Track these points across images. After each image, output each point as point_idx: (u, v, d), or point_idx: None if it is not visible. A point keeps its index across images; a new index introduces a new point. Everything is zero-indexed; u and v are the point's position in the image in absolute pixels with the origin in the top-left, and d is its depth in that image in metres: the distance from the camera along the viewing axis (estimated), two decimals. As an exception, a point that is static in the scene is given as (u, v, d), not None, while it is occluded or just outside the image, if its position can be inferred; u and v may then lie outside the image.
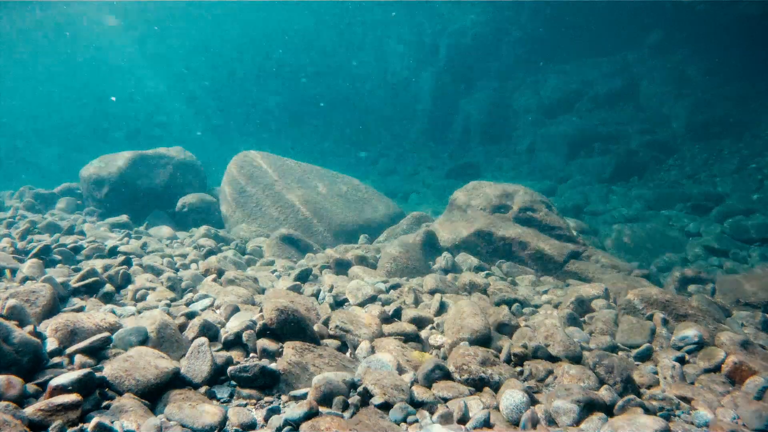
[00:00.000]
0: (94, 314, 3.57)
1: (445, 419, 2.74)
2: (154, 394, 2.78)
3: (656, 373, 3.55)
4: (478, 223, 6.98)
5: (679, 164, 13.49)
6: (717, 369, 3.55)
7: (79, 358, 3.02)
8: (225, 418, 2.63)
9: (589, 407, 2.86)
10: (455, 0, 21.91)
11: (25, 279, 4.43)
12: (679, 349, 3.89)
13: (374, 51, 28.46)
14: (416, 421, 2.73)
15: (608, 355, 3.52)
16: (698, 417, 2.94)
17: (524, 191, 7.51)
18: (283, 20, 31.31)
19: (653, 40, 17.81)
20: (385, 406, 2.81)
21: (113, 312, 3.93)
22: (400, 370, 3.23)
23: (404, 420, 2.72)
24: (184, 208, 9.12)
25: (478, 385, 3.18)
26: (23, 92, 36.53)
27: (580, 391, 2.94)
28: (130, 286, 4.68)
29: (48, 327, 3.28)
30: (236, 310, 4.06)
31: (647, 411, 2.91)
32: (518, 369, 3.52)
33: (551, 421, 2.82)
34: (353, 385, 2.99)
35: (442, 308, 4.53)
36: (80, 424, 2.41)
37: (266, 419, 2.70)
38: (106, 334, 3.23)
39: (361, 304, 4.65)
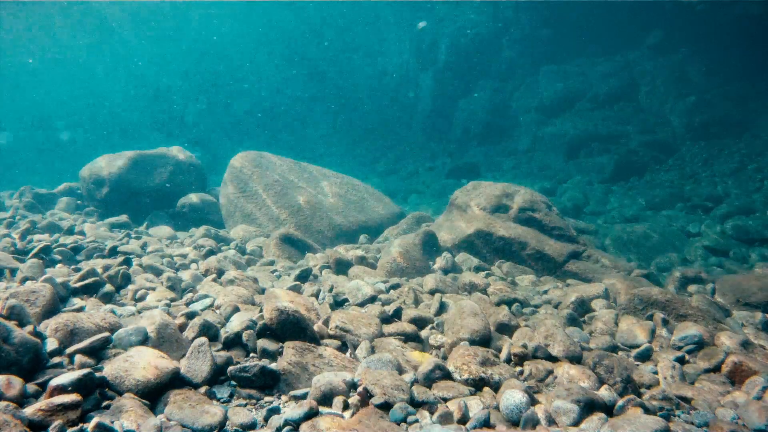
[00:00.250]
0: (94, 314, 3.57)
1: (445, 419, 2.74)
2: (154, 394, 2.78)
3: (656, 373, 3.55)
4: (478, 223, 6.98)
5: (679, 164, 13.49)
6: (717, 369, 3.55)
7: (79, 358, 3.02)
8: (225, 418, 2.63)
9: (589, 407, 2.86)
10: (455, 0, 21.91)
11: (25, 279, 4.43)
12: (679, 349, 3.89)
13: (374, 51, 28.47)
14: (416, 421, 2.73)
15: (608, 355, 3.52)
16: (698, 417, 2.94)
17: (524, 191, 7.51)
18: (283, 20, 31.33)
19: (653, 40, 17.81)
20: (385, 406, 2.81)
21: (113, 312, 3.92)
22: (400, 370, 3.23)
23: (404, 420, 2.72)
24: (184, 208, 9.12)
25: (478, 385, 3.18)
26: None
27: (580, 391, 2.94)
28: (130, 286, 4.68)
29: (48, 327, 3.28)
30: (236, 310, 4.06)
31: (647, 411, 2.91)
32: (518, 369, 3.52)
33: (551, 421, 2.82)
34: (353, 385, 2.99)
35: (442, 308, 4.53)
36: (80, 424, 2.41)
37: (266, 419, 2.70)
38: (106, 334, 3.23)
39: (361, 304, 4.64)
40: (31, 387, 2.68)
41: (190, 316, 3.95)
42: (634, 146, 14.70)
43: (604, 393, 3.05)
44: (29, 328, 3.21)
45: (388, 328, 3.98)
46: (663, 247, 8.58)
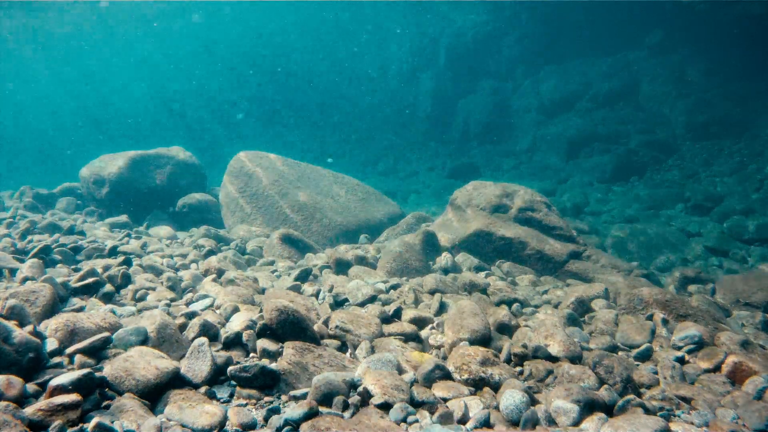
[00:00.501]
0: (94, 314, 3.57)
1: (445, 419, 2.74)
2: (154, 394, 2.78)
3: (656, 373, 3.55)
4: (478, 223, 6.98)
5: (679, 164, 13.49)
6: (717, 369, 3.55)
7: (79, 358, 3.02)
8: (225, 418, 2.63)
9: (589, 407, 2.86)
10: (455, 0, 21.91)
11: (25, 279, 4.42)
12: (679, 349, 3.89)
13: (374, 51, 28.47)
14: (416, 421, 2.73)
15: (608, 355, 3.52)
16: (698, 417, 2.94)
17: (524, 191, 7.51)
18: (282, 20, 31.33)
19: (653, 40, 17.81)
20: (385, 406, 2.81)
21: (113, 312, 3.92)
22: (400, 370, 3.23)
23: (404, 420, 2.72)
24: (184, 208, 9.12)
25: (478, 385, 3.18)
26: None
27: (580, 391, 2.94)
28: (130, 286, 4.68)
29: (48, 327, 3.28)
30: (236, 310, 4.06)
31: (647, 411, 2.91)
32: (518, 369, 3.52)
33: (551, 421, 2.82)
34: (353, 385, 2.99)
35: (442, 308, 4.53)
36: (80, 424, 2.41)
37: (266, 419, 2.70)
38: (106, 334, 3.23)
39: (361, 304, 4.64)
40: (31, 387, 2.68)
41: (190, 316, 3.95)
42: (634, 146, 14.69)
43: (604, 393, 3.05)
44: (29, 328, 3.21)
45: (388, 328, 3.98)
46: (663, 247, 8.58)
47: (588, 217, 11.02)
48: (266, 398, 2.94)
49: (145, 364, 2.89)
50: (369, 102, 27.45)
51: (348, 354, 3.65)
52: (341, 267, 5.99)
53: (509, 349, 3.65)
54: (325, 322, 3.94)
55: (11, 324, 3.00)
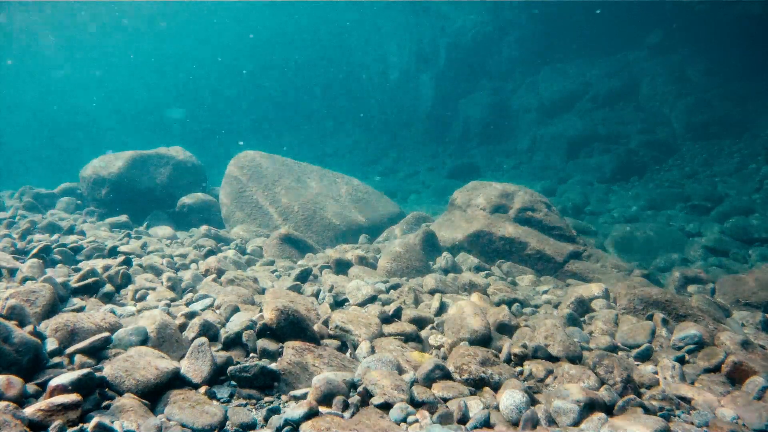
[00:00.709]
0: (94, 314, 3.57)
1: (445, 419, 2.74)
2: (154, 394, 2.78)
3: (656, 373, 3.55)
4: (478, 223, 6.98)
5: (679, 164, 13.49)
6: (717, 369, 3.55)
7: (79, 358, 3.02)
8: (225, 418, 2.63)
9: (589, 407, 2.86)
10: (455, 0, 21.92)
11: (25, 279, 4.43)
12: (679, 349, 3.89)
13: (374, 51, 28.48)
14: (416, 421, 2.73)
15: (608, 355, 3.52)
16: (698, 417, 2.94)
17: (524, 191, 7.51)
18: (283, 20, 31.33)
19: (653, 40, 17.82)
20: (385, 406, 2.81)
21: (113, 312, 3.92)
22: (400, 370, 3.23)
23: (404, 420, 2.72)
24: (184, 208, 9.12)
25: (478, 385, 3.18)
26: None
27: (580, 391, 2.94)
28: (130, 286, 4.68)
29: (48, 327, 3.28)
30: (236, 310, 4.06)
31: (647, 411, 2.91)
32: (518, 369, 3.52)
33: (551, 421, 2.82)
34: (353, 385, 2.99)
35: (442, 308, 4.53)
36: (80, 424, 2.41)
37: (266, 419, 2.70)
38: (106, 334, 3.23)
39: (361, 304, 4.64)
40: (31, 387, 2.68)
41: (190, 316, 3.95)
42: (634, 146, 14.69)
43: (604, 393, 3.05)
44: (29, 328, 3.21)
45: (388, 328, 3.98)
46: (663, 247, 8.58)
47: (588, 217, 11.03)
48: (266, 398, 2.94)
49: (145, 364, 2.89)
50: (369, 102, 27.45)
51: (348, 354, 3.65)
52: (341, 267, 5.99)
53: (509, 349, 3.65)
54: (325, 322, 3.94)
55: (11, 324, 3.00)
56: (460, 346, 3.61)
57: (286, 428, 2.55)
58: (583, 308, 4.85)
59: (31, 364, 2.87)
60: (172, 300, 4.50)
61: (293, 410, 2.62)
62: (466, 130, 21.06)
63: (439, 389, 3.07)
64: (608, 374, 3.31)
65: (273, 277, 5.78)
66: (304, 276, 5.57)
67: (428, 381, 3.16)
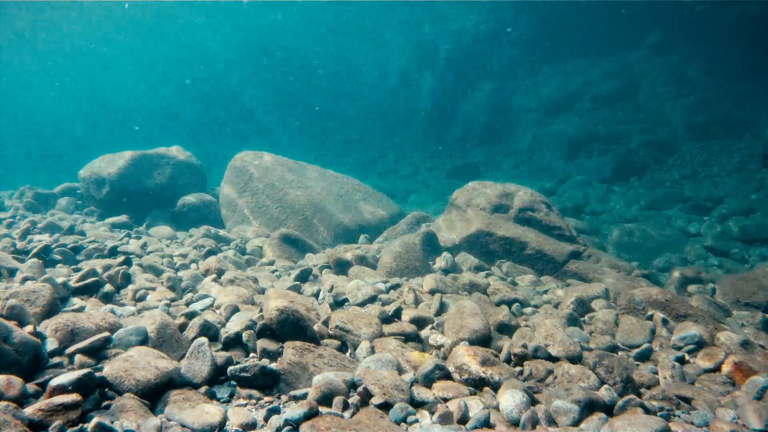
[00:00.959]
0: (94, 314, 3.57)
1: (445, 419, 2.74)
2: (154, 394, 2.78)
3: (656, 373, 3.55)
4: (478, 223, 6.98)
5: (679, 164, 13.49)
6: (717, 369, 3.55)
7: (79, 358, 3.02)
8: (225, 418, 2.63)
9: (589, 407, 2.86)
10: (455, 0, 21.92)
11: (25, 279, 4.42)
12: (679, 349, 3.89)
13: (374, 51, 28.48)
14: (416, 421, 2.73)
15: (608, 355, 3.52)
16: (698, 417, 2.93)
17: (524, 191, 7.51)
18: (283, 20, 31.32)
19: (653, 40, 17.82)
20: (385, 406, 2.81)
21: (113, 312, 3.92)
22: (400, 370, 3.23)
23: (404, 420, 2.72)
24: (184, 208, 9.12)
25: (478, 385, 3.18)
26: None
27: (580, 391, 2.94)
28: (130, 286, 4.68)
29: (48, 327, 3.28)
30: (236, 310, 4.06)
31: (647, 411, 2.91)
32: (518, 369, 3.52)
33: (551, 421, 2.82)
34: (353, 385, 2.99)
35: (442, 308, 4.53)
36: (80, 424, 2.41)
37: (266, 419, 2.70)
38: (106, 334, 3.23)
39: (361, 304, 4.64)
40: (31, 387, 2.68)
41: (190, 316, 3.95)
42: (634, 146, 14.69)
43: (604, 393, 3.05)
44: (29, 328, 3.21)
45: (388, 328, 3.98)
46: (663, 247, 8.58)
47: (588, 217, 11.03)
48: (266, 398, 2.94)
49: (145, 364, 2.89)
50: (369, 102, 27.45)
51: (348, 354, 3.65)
52: (341, 267, 5.99)
53: (509, 349, 3.65)
54: (325, 322, 3.94)
55: (11, 324, 3.00)
56: (460, 346, 3.61)
57: (286, 428, 2.55)
58: (583, 308, 4.86)
59: (31, 364, 2.87)
60: (172, 300, 4.50)
61: (293, 410, 2.62)
62: (466, 130, 21.06)
63: (439, 389, 3.07)
64: (608, 374, 3.31)
65: (273, 277, 5.78)
66: (304, 276, 5.57)
67: (428, 381, 3.16)
